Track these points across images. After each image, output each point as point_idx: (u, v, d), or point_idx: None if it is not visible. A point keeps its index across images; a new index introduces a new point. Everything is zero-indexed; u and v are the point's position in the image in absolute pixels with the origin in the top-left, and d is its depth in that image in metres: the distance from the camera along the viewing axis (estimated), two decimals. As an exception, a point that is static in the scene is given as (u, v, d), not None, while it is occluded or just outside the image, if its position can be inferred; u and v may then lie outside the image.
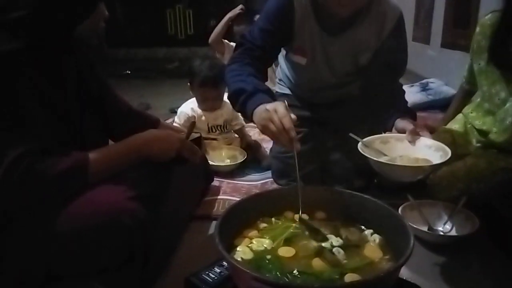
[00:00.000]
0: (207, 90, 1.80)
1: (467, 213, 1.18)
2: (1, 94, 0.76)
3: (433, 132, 1.45)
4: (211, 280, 0.83)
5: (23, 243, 0.78)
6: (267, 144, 1.99)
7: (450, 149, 1.37)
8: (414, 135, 1.12)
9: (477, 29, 1.38)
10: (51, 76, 0.86)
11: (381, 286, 0.68)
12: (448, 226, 1.17)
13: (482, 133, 1.36)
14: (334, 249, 0.78)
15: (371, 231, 0.85)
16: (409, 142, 1.13)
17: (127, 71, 4.97)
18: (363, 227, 0.87)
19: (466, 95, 1.58)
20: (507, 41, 1.24)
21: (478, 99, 1.43)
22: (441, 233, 1.16)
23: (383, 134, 1.20)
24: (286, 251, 0.79)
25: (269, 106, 0.98)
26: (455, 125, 1.48)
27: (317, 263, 0.76)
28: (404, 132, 1.15)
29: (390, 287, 0.70)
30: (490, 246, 1.13)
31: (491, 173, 1.24)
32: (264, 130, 0.99)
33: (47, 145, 0.79)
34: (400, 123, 1.20)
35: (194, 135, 1.15)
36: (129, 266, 0.83)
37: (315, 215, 0.91)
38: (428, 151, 1.08)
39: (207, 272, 0.86)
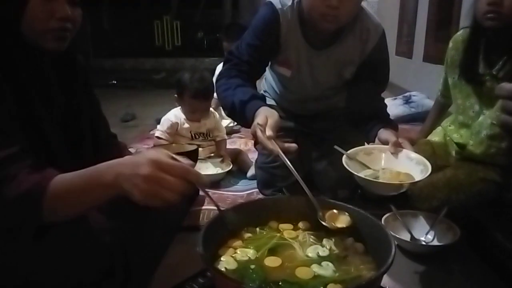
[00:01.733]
0: (198, 102, 1.83)
1: (448, 223, 1.20)
2: None
3: (413, 144, 1.48)
4: (194, 291, 0.82)
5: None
6: (253, 155, 1.99)
7: (431, 160, 1.39)
8: (397, 147, 1.14)
9: (450, 44, 1.43)
10: (14, 84, 0.78)
11: (363, 295, 0.68)
12: (430, 236, 1.19)
13: (460, 146, 1.39)
14: (323, 263, 0.78)
15: (352, 239, 0.85)
16: (392, 153, 1.14)
17: (113, 81, 4.95)
18: (345, 236, 0.88)
19: (442, 108, 1.63)
20: (476, 57, 1.29)
21: (454, 112, 1.48)
22: (423, 243, 1.17)
23: (366, 146, 1.22)
24: (272, 261, 0.79)
25: (254, 122, 1.04)
26: (435, 137, 1.51)
27: (301, 272, 0.76)
28: (387, 143, 1.17)
29: (372, 296, 0.70)
30: (471, 255, 1.15)
31: (470, 184, 1.27)
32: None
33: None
34: (383, 134, 1.22)
35: (190, 147, 1.09)
36: (109, 282, 0.82)
37: (299, 224, 0.91)
38: (410, 164, 1.10)
39: (190, 283, 0.85)
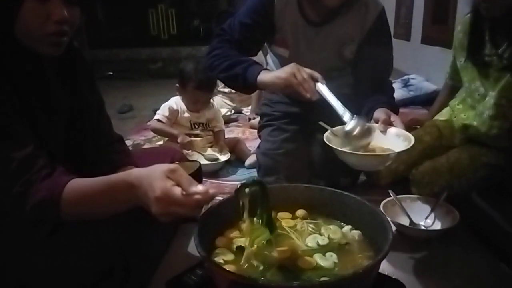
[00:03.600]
0: (201, 93, 1.82)
1: (448, 207, 1.19)
2: None
3: (421, 126, 1.47)
4: (192, 283, 0.82)
5: None
6: (251, 143, 1.98)
7: (437, 141, 1.38)
8: (386, 125, 1.11)
9: (459, 27, 1.41)
10: (13, 90, 0.75)
11: (361, 282, 0.68)
12: (429, 221, 1.19)
13: (465, 126, 1.38)
14: (326, 254, 0.77)
15: (350, 226, 0.85)
16: (381, 131, 1.12)
17: (110, 72, 4.90)
18: (342, 223, 0.87)
19: (451, 90, 1.61)
20: (482, 39, 1.27)
21: (464, 94, 1.46)
22: (422, 228, 1.17)
23: None
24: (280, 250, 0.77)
25: (289, 66, 1.17)
26: (441, 117, 1.51)
27: (303, 261, 0.75)
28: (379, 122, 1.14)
29: (371, 283, 0.70)
30: (471, 240, 1.15)
31: (473, 169, 1.26)
32: (286, 84, 1.16)
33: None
34: (377, 113, 1.18)
35: (194, 166, 1.04)
36: (107, 281, 0.82)
37: (296, 213, 0.91)
38: (397, 141, 1.07)
39: (188, 275, 0.84)
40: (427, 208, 1.22)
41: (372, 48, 1.36)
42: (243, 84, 1.26)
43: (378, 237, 0.77)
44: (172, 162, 1.24)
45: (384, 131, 1.11)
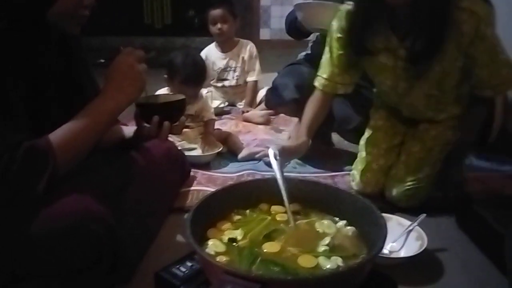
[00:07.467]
0: (187, 88, 1.77)
1: (419, 232, 1.05)
2: None
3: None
4: (181, 274, 0.80)
5: None
6: (243, 137, 1.97)
7: (395, 139, 1.37)
8: None
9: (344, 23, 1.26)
10: (30, 65, 0.81)
11: (355, 277, 0.67)
12: (395, 245, 1.05)
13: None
14: (332, 258, 0.73)
15: (345, 222, 0.84)
16: None
17: (102, 60, 4.81)
18: (336, 218, 0.86)
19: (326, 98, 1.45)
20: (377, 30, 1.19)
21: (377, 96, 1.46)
22: (385, 254, 1.01)
23: None
24: (269, 246, 0.76)
25: None
26: (380, 121, 1.40)
27: (303, 260, 0.73)
28: None
29: (363, 279, 0.69)
30: (470, 248, 1.11)
31: (438, 152, 1.27)
32: None
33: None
34: None
35: (179, 96, 1.12)
36: (95, 269, 0.80)
37: (290, 206, 0.89)
38: None
39: (177, 266, 0.83)
40: (398, 230, 1.06)
41: None
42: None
43: (372, 232, 0.77)
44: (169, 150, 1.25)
45: None
